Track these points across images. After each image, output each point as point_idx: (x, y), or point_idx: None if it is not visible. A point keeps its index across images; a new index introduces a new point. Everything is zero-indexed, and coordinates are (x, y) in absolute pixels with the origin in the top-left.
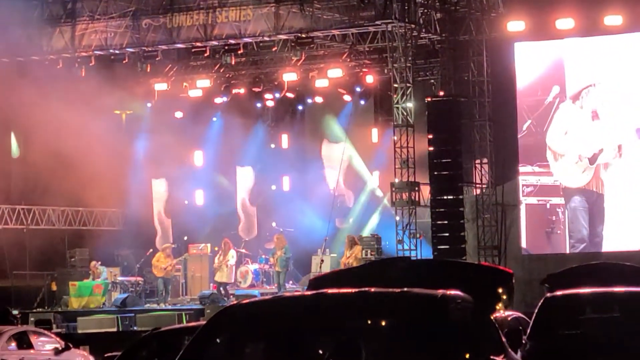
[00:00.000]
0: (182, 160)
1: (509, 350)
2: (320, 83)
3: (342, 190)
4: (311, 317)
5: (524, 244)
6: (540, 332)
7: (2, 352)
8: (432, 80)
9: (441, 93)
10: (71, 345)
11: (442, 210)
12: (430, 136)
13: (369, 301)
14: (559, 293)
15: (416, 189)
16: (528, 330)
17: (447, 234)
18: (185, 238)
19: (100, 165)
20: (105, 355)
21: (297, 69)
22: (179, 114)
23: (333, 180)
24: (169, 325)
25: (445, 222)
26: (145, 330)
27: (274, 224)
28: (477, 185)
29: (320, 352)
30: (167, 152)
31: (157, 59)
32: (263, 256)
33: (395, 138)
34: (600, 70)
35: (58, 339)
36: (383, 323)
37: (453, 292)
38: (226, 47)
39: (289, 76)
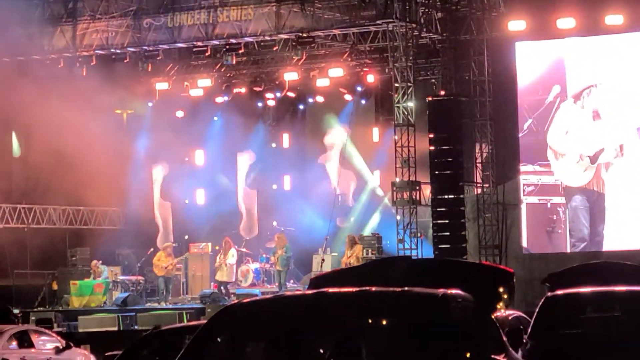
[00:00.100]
0: (183, 159)
1: (510, 349)
2: (321, 82)
3: (343, 189)
4: (312, 316)
5: (524, 243)
6: (541, 331)
7: (3, 351)
8: (433, 80)
9: (442, 92)
10: (72, 344)
11: (443, 209)
12: (431, 135)
13: (370, 300)
14: (559, 292)
15: (417, 188)
16: (529, 330)
17: (448, 233)
18: (186, 237)
19: (101, 165)
20: (106, 354)
21: (298, 68)
22: (180, 113)
23: (334, 179)
24: (169, 325)
25: (446, 221)
26: (146, 329)
27: (275, 223)
28: (478, 185)
29: (321, 351)
30: (168, 151)
31: (158, 58)
32: (264, 255)
33: (396, 137)
34: (601, 70)
35: (59, 338)
36: (384, 322)
37: (454, 291)
38: (227, 47)
39: (290, 75)
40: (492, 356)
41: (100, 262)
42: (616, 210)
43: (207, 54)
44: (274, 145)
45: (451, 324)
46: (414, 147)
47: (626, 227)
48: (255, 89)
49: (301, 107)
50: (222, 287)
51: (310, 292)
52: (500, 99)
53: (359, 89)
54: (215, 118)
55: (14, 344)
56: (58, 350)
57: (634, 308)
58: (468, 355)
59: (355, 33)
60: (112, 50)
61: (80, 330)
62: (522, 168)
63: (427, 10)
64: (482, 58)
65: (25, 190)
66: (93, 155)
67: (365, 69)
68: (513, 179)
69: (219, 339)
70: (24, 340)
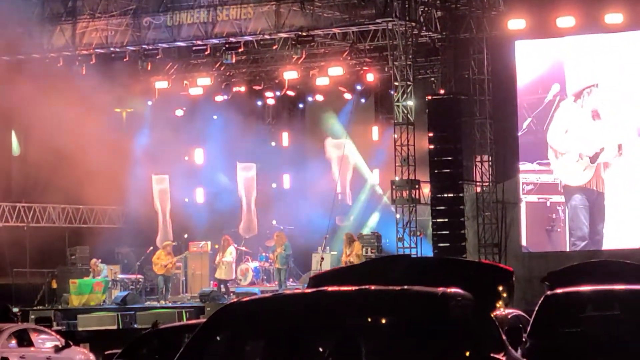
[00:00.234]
0: (183, 158)
1: (509, 348)
2: (321, 81)
3: (343, 188)
4: (311, 315)
5: (524, 242)
6: (541, 330)
7: (2, 349)
8: (433, 79)
9: (442, 91)
10: (71, 343)
11: (443, 208)
12: (431, 134)
13: (369, 299)
14: (559, 291)
15: (416, 186)
16: (528, 328)
17: (447, 232)
18: (186, 236)
19: (100, 163)
20: (106, 352)
21: (297, 67)
22: (179, 112)
23: (334, 178)
24: (169, 323)
25: (446, 219)
26: (146, 327)
27: (274, 222)
28: (478, 183)
29: (321, 350)
30: (168, 150)
31: (157, 57)
32: (263, 254)
33: (396, 136)
34: (600, 69)
35: (58, 336)
36: (383, 321)
37: (453, 289)
38: (227, 45)
39: (290, 74)
40: (492, 355)
41: (100, 260)
42: (616, 209)
43: (206, 53)
44: (273, 144)
45: (450, 322)
46: (414, 145)
47: (626, 226)
48: (254, 87)
49: (301, 105)
50: (222, 286)
51: (309, 290)
52: (499, 98)
53: (358, 87)
54: (215, 117)
55: (14, 342)
56: (57, 349)
57: (633, 307)
58: (467, 353)
59: (354, 32)
60: (112, 49)
61: (80, 328)
62: (522, 167)
63: (426, 8)
64: (481, 57)
65: (25, 189)
66: (92, 154)
67: (364, 68)
68: (512, 177)
69: (218, 338)
70: (24, 339)
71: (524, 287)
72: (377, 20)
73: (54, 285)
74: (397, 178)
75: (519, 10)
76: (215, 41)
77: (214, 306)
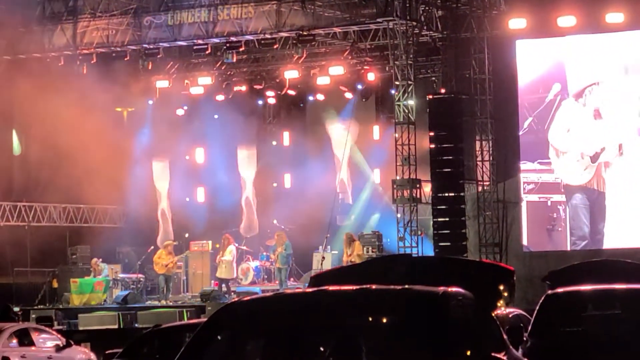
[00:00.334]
0: (184, 157)
1: (510, 347)
2: (322, 80)
3: (344, 187)
4: (312, 314)
5: (525, 241)
6: (542, 329)
7: (3, 348)
8: (434, 78)
9: (442, 90)
10: (72, 342)
11: (444, 207)
12: (432, 133)
13: (370, 298)
14: (560, 290)
15: (417, 186)
16: (529, 328)
17: (448, 231)
18: (187, 235)
19: (101, 163)
20: (107, 352)
21: (298, 66)
22: (180, 111)
23: (335, 177)
24: (170, 323)
25: (447, 219)
26: (147, 327)
27: (275, 221)
28: (479, 183)
29: (321, 349)
30: (169, 149)
31: (158, 56)
32: (264, 253)
33: (397, 135)
34: (601, 68)
35: (59, 335)
36: (384, 320)
37: (454, 289)
38: (228, 45)
39: (291, 73)
40: (493, 354)
41: (101, 260)
42: (616, 209)
43: (207, 52)
44: (274, 143)
45: (451, 321)
46: (415, 145)
47: (626, 225)
48: (255, 87)
49: (301, 105)
50: (223, 285)
51: (310, 290)
52: (500, 97)
53: (359, 87)
54: (216, 116)
55: (15, 341)
56: (58, 348)
57: (634, 306)
58: (468, 353)
59: (355, 31)
60: (113, 48)
61: (81, 328)
62: (523, 166)
63: (427, 8)
64: (482, 56)
65: (26, 188)
66: (93, 153)
67: (365, 67)
68: (513, 177)
69: (219, 337)
70: (24, 338)
71: (525, 286)
72: (378, 20)
73: (55, 284)
74: (398, 177)
75: (520, 9)
76: (216, 40)
77: (214, 305)
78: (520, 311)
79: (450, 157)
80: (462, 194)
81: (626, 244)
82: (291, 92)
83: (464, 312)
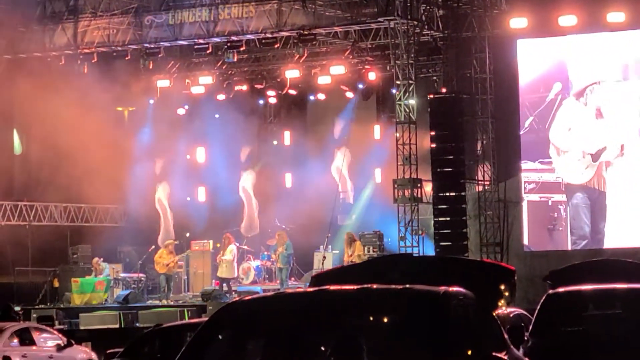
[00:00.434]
0: (185, 156)
1: (511, 346)
2: (323, 80)
3: (345, 187)
4: (313, 314)
5: (525, 241)
6: (543, 329)
7: (4, 348)
8: (435, 77)
9: (443, 90)
10: (73, 342)
11: (445, 207)
12: (433, 133)
13: (371, 298)
14: (561, 290)
15: (418, 185)
16: (530, 327)
17: (449, 231)
18: (188, 234)
19: (102, 162)
20: (108, 351)
21: (299, 65)
22: (181, 111)
23: (336, 177)
24: (171, 322)
25: (448, 218)
26: (148, 326)
27: (276, 221)
28: (480, 182)
29: (322, 348)
30: (170, 148)
31: (159, 55)
32: (265, 253)
33: (398, 135)
34: (602, 68)
35: (60, 335)
36: (385, 320)
37: (455, 288)
38: (228, 44)
39: (292, 73)
40: (494, 354)
41: (102, 259)
42: (617, 208)
43: (208, 52)
44: (275, 142)
45: (452, 321)
46: (416, 144)
47: (627, 225)
48: (256, 86)
49: (302, 104)
50: (224, 284)
51: (311, 289)
52: (501, 97)
53: (360, 86)
54: (217, 115)
55: (16, 341)
56: (59, 348)
57: (635, 305)
58: (469, 352)
59: (356, 30)
60: (113, 47)
61: (82, 327)
62: (523, 166)
63: (428, 7)
64: (483, 55)
65: (27, 188)
66: (94, 152)
67: (366, 67)
68: (514, 176)
69: (220, 337)
70: (25, 338)
71: (526, 286)
72: (379, 19)
73: (56, 284)
74: (399, 177)
75: (521, 9)
76: (217, 40)
77: (215, 305)
78: (521, 311)
79: (451, 157)
80: (463, 193)
81: (627, 244)
82: (292, 92)
83: (465, 311)
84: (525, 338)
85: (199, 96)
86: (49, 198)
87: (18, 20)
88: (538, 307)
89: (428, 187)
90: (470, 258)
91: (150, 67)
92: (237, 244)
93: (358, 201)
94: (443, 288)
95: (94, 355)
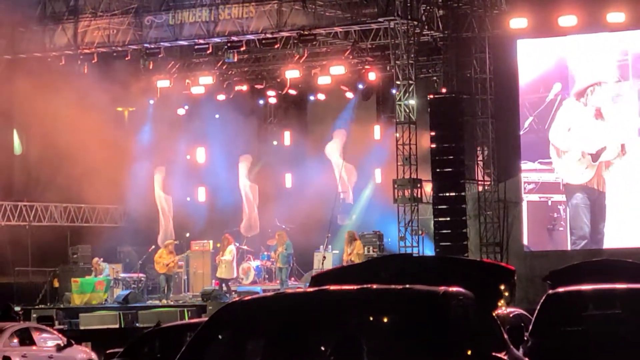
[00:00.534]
0: (185, 157)
1: (511, 347)
2: (323, 80)
3: (345, 187)
4: (313, 314)
5: (525, 241)
6: (543, 329)
7: (4, 348)
8: (435, 78)
9: (443, 90)
10: (73, 342)
11: (444, 207)
12: (433, 133)
13: (371, 298)
14: (561, 290)
15: (418, 185)
16: (530, 327)
17: (449, 231)
18: (188, 234)
19: (102, 162)
20: (108, 351)
21: (299, 66)
22: (181, 111)
23: (336, 177)
24: (171, 322)
25: (448, 219)
26: (147, 326)
27: (276, 221)
28: (480, 182)
29: (322, 348)
30: (170, 148)
31: (159, 55)
32: (265, 253)
33: (398, 135)
34: (603, 68)
35: (60, 335)
36: (385, 320)
37: (455, 288)
38: (229, 44)
39: (292, 73)
40: (493, 354)
41: (102, 259)
42: (617, 209)
43: (208, 52)
44: (275, 143)
45: (452, 321)
46: (415, 144)
47: (627, 225)
48: (256, 86)
49: (302, 104)
50: (223, 284)
51: (311, 289)
52: (501, 97)
53: (360, 86)
54: (217, 116)
55: (15, 341)
56: (59, 348)
57: (634, 305)
58: (469, 352)
59: (356, 31)
60: (114, 47)
61: (82, 327)
62: (523, 166)
63: (428, 7)
64: (483, 56)
65: (27, 188)
66: (94, 152)
67: (366, 67)
68: (514, 176)
69: (220, 337)
70: (25, 338)
71: (526, 286)
72: (379, 19)
73: (56, 284)
74: (399, 177)
75: (521, 9)
76: (217, 40)
77: (215, 305)
78: (521, 311)
79: (451, 157)
80: (463, 193)
81: (626, 244)
82: (292, 92)
83: (465, 311)
84: (525, 338)
85: (199, 96)
86: (49, 198)
87: (18, 20)
88: (538, 307)
89: (428, 187)
90: (470, 258)
91: (151, 67)
92: (237, 245)
93: (358, 201)
94: (443, 288)
95: (93, 355)
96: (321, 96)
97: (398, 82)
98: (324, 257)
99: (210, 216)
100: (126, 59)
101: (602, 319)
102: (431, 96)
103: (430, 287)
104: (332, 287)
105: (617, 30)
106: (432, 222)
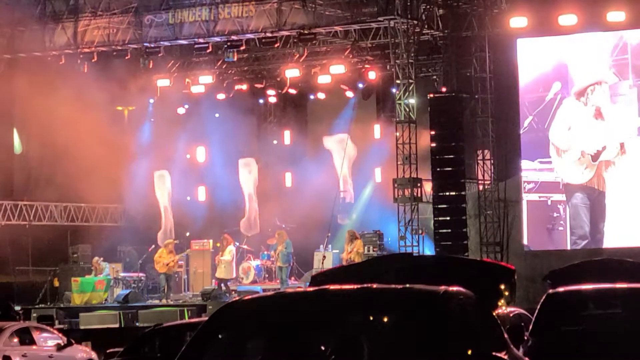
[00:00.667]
0: (185, 156)
1: (511, 346)
2: (323, 79)
3: (345, 186)
4: (313, 313)
5: (525, 241)
6: (543, 328)
7: (4, 347)
8: (435, 77)
9: (443, 89)
10: (73, 341)
11: (445, 206)
12: (433, 132)
13: (371, 297)
14: (561, 289)
15: (418, 185)
16: (530, 327)
17: (449, 230)
18: (188, 234)
19: (102, 162)
20: (108, 351)
21: (299, 65)
22: (181, 110)
23: (336, 176)
24: (171, 322)
25: (448, 218)
26: (147, 326)
27: (276, 220)
28: (480, 182)
29: (322, 348)
30: (170, 148)
31: (159, 55)
32: (265, 252)
33: (398, 134)
34: (603, 67)
35: (60, 334)
36: (385, 319)
37: (455, 288)
38: (228, 43)
39: (292, 72)
40: (493, 353)
41: (102, 259)
42: (616, 208)
43: (208, 51)
44: (275, 142)
45: (452, 320)
46: (415, 143)
47: (626, 224)
48: (256, 85)
49: (302, 103)
50: (221, 284)
51: (311, 289)
52: (501, 96)
53: (360, 85)
54: (217, 115)
55: (16, 340)
56: (59, 347)
57: (635, 305)
58: (469, 352)
59: (356, 30)
60: (114, 47)
61: (82, 327)
62: (523, 165)
63: (428, 6)
64: (483, 55)
65: (27, 187)
66: (94, 152)
67: (366, 66)
68: (514, 175)
69: (220, 336)
70: (25, 337)
71: (526, 285)
72: (379, 18)
73: (56, 283)
74: (398, 176)
75: (521, 8)
76: (217, 39)
77: (215, 304)
78: (521, 310)
79: (451, 156)
80: (463, 192)
81: (626, 244)
82: (292, 91)
83: (465, 311)
84: (525, 338)
85: (199, 95)
86: (49, 197)
87: (18, 20)
88: (538, 307)
89: (428, 187)
90: (470, 258)
91: (150, 66)
92: (237, 244)
93: (358, 200)
94: (443, 288)
95: (93, 354)
96: (321, 95)
97: (398, 81)
98: (324, 257)
99: (210, 215)
100: (126, 58)
101: (602, 318)
102: (431, 95)
103: (430, 286)
104: (332, 287)
105: (617, 30)
106: (432, 221)
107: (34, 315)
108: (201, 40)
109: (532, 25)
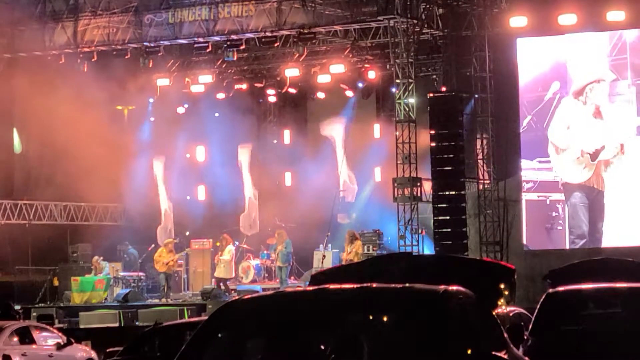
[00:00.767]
0: (184, 155)
1: (511, 346)
2: (323, 79)
3: (345, 185)
4: (313, 313)
5: (524, 240)
6: (542, 328)
7: (4, 347)
8: (434, 76)
9: (443, 88)
10: (73, 341)
11: (444, 205)
12: (432, 131)
13: (371, 296)
14: (561, 289)
15: (418, 184)
16: (530, 326)
17: (449, 230)
18: (187, 233)
19: (102, 161)
20: (107, 350)
21: (299, 64)
22: (180, 109)
23: (336, 175)
24: (170, 321)
25: (447, 217)
26: (147, 325)
27: (276, 220)
28: (479, 181)
29: (322, 347)
30: (169, 147)
31: (159, 54)
32: (265, 251)
33: (397, 133)
34: (602, 67)
35: (60, 334)
36: (385, 318)
37: (455, 287)
38: (228, 43)
39: (291, 72)
40: (493, 353)
41: (102, 258)
42: (615, 208)
43: (208, 50)
44: (275, 141)
45: (452, 320)
46: (415, 143)
47: (625, 224)
48: (256, 85)
49: (302, 103)
50: (221, 284)
51: (311, 288)
52: (501, 95)
53: (360, 85)
54: (216, 114)
55: (15, 340)
56: (59, 346)
57: (634, 304)
58: (469, 351)
59: (356, 29)
60: (113, 46)
61: (81, 326)
62: (523, 164)
63: (428, 6)
64: (483, 54)
65: (26, 186)
66: (94, 151)
67: (366, 65)
68: (514, 175)
69: (219, 335)
70: (25, 337)
71: (526, 285)
72: (379, 18)
73: (56, 282)
74: (398, 175)
75: (520, 7)
76: (217, 38)
77: (215, 304)
78: (521, 310)
79: (451, 155)
80: (462, 192)
81: (625, 243)
82: (292, 90)
83: (465, 310)
84: (525, 337)
85: (199, 95)
86: (49, 197)
87: (18, 19)
88: (538, 306)
89: (428, 186)
90: (470, 257)
91: (150, 65)
92: (236, 244)
93: (358, 200)
94: (443, 287)
95: (93, 354)
96: (321, 95)
97: (398, 81)
98: (324, 256)
99: (210, 215)
100: (126, 57)
101: (602, 318)
102: (431, 94)
103: (430, 286)
104: (332, 286)
105: (617, 29)
106: (432, 220)
107: (34, 314)
108: (201, 40)
109: (531, 25)
